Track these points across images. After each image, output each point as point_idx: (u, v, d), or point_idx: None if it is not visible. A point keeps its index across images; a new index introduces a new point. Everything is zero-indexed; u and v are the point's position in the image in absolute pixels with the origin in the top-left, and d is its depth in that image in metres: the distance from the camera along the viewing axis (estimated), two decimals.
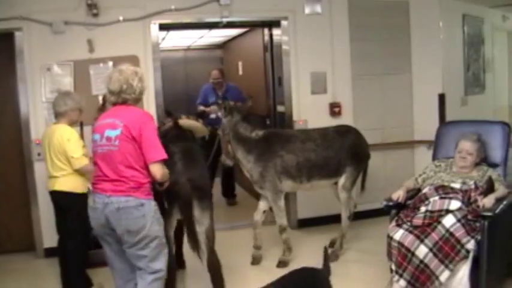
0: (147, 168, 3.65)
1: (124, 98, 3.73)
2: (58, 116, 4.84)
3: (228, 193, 8.22)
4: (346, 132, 5.68)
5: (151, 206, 3.70)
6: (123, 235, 3.63)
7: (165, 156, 3.67)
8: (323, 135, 5.58)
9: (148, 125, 3.66)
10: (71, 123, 4.85)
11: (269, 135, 5.47)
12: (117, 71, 3.80)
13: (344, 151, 5.52)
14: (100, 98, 5.93)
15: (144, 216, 3.62)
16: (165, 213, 4.25)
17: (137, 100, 3.81)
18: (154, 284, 3.74)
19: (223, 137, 5.55)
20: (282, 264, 5.46)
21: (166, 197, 4.41)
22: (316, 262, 4.76)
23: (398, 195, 4.61)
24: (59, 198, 4.84)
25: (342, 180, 5.59)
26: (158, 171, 3.63)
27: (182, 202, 4.23)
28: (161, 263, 3.79)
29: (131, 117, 3.64)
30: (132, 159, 3.60)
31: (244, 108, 5.66)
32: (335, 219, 5.99)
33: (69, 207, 4.80)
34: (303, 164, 5.37)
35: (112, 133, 3.60)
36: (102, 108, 5.71)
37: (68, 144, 4.64)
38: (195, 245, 4.28)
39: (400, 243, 4.15)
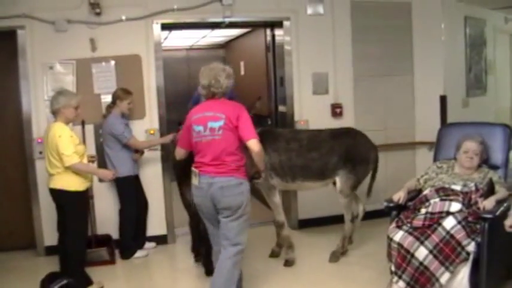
0: (242, 151, 4.28)
1: (212, 91, 4.27)
2: (54, 114, 4.87)
3: None
4: (342, 134, 5.57)
5: (247, 186, 4.31)
6: (224, 209, 4.21)
7: (257, 136, 4.26)
8: (312, 136, 5.56)
9: (243, 113, 4.27)
10: (68, 121, 4.87)
11: (261, 133, 5.45)
12: (208, 68, 4.36)
13: (335, 154, 5.40)
14: (102, 97, 5.97)
15: (242, 193, 4.23)
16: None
17: (224, 94, 4.35)
18: (236, 257, 4.27)
19: None
20: (288, 263, 5.49)
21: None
22: (316, 262, 4.82)
23: (399, 196, 4.60)
24: (54, 195, 4.88)
25: (338, 184, 5.49)
26: (255, 145, 4.21)
27: None
28: (244, 237, 4.33)
29: (229, 109, 4.24)
30: (233, 145, 4.21)
31: (252, 110, 5.77)
32: (336, 219, 6.01)
33: (65, 205, 4.83)
34: (284, 163, 5.40)
35: (215, 124, 4.19)
36: (111, 106, 5.75)
37: (58, 140, 4.66)
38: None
39: (400, 245, 4.15)
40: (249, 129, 4.23)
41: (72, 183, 4.81)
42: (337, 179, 5.47)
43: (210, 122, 4.20)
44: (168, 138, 5.90)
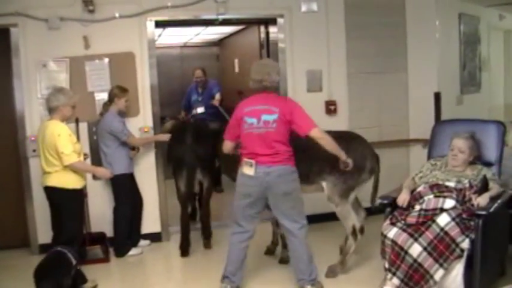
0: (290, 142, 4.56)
1: (265, 85, 4.52)
2: (51, 111, 4.87)
3: (215, 182, 8.18)
4: (335, 139, 4.80)
5: (297, 174, 4.62)
6: (280, 196, 4.52)
7: (317, 125, 4.50)
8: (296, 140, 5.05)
9: (296, 106, 4.56)
10: (64, 119, 4.87)
11: None
12: (260, 63, 4.70)
13: (322, 158, 4.87)
14: (96, 95, 5.96)
15: (295, 180, 4.59)
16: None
17: (275, 88, 4.69)
18: (302, 231, 4.64)
19: None
20: (283, 260, 5.46)
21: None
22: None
23: (404, 199, 4.50)
24: (51, 193, 4.88)
25: (325, 190, 5.15)
26: (318, 133, 4.48)
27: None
28: (303, 216, 4.69)
29: (283, 104, 4.54)
30: (285, 137, 4.50)
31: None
32: (329, 217, 5.97)
33: (61, 203, 4.83)
34: None
35: (269, 117, 4.44)
36: (108, 104, 5.76)
37: (58, 139, 4.67)
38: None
39: (394, 242, 4.16)
40: (306, 120, 4.50)
41: (69, 181, 4.81)
42: (324, 185, 5.14)
43: (264, 115, 4.45)
44: (165, 136, 6.00)
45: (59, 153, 4.69)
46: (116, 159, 5.73)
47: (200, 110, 7.61)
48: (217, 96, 7.70)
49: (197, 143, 5.91)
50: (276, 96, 4.66)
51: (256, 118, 4.48)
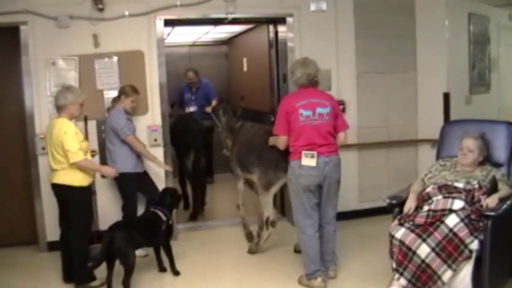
0: None
1: (315, 80, 4.91)
2: (59, 109, 4.88)
3: (207, 173, 8.69)
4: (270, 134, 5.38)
5: None
6: (334, 184, 4.85)
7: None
8: (258, 131, 5.86)
9: (337, 103, 5.10)
10: (72, 118, 4.89)
11: (240, 126, 6.15)
12: (307, 60, 4.97)
13: (255, 151, 5.61)
14: (105, 93, 5.97)
15: (340, 168, 4.91)
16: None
17: (318, 83, 5.00)
18: (335, 223, 5.03)
19: (222, 132, 6.39)
20: (249, 250, 5.89)
21: None
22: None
23: (409, 207, 4.47)
24: (58, 191, 4.90)
25: (255, 181, 5.68)
26: (346, 139, 5.06)
27: None
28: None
29: (331, 99, 4.97)
30: (334, 129, 4.86)
31: (238, 109, 6.51)
32: (338, 216, 5.96)
33: (68, 200, 4.85)
34: (234, 155, 5.95)
35: (323, 110, 4.78)
36: (116, 100, 5.76)
37: (64, 137, 4.68)
38: None
39: (401, 242, 4.15)
40: (344, 120, 5.01)
41: (76, 179, 4.83)
42: (254, 176, 5.65)
43: (318, 108, 4.77)
44: (166, 167, 6.11)
45: (65, 151, 4.70)
46: (119, 157, 5.66)
47: (193, 108, 8.20)
48: (213, 102, 8.20)
49: (199, 132, 7.42)
50: (322, 91, 5.11)
51: (312, 110, 4.75)
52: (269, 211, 5.61)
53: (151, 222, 5.21)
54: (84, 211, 4.98)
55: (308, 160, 4.70)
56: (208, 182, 8.53)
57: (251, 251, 5.84)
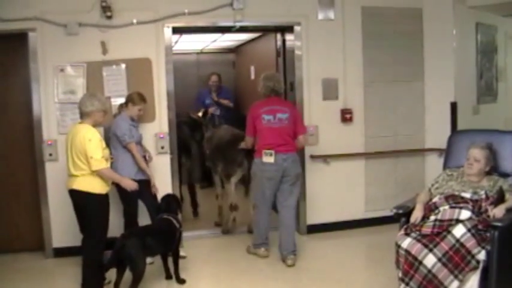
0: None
1: (276, 91, 5.75)
2: (83, 116, 4.87)
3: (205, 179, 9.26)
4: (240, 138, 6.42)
5: None
6: (294, 177, 5.70)
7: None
8: (223, 134, 7.03)
9: (297, 111, 6.06)
10: (96, 125, 4.90)
11: (217, 129, 7.37)
12: (270, 74, 5.98)
13: (217, 150, 6.89)
14: (112, 100, 5.98)
15: (299, 164, 5.86)
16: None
17: (281, 94, 5.91)
18: (293, 211, 5.81)
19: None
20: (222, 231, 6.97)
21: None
22: (322, 267, 4.78)
23: (416, 217, 4.45)
24: (76, 197, 4.86)
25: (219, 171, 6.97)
26: (306, 141, 6.06)
27: None
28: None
29: (291, 106, 5.92)
30: (293, 132, 5.71)
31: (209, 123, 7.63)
32: (344, 225, 5.99)
33: (86, 207, 4.84)
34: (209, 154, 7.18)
35: (283, 116, 5.66)
36: (122, 106, 5.76)
37: (88, 144, 4.68)
38: None
39: (408, 252, 4.13)
40: (302, 124, 5.94)
41: (96, 186, 4.82)
42: (218, 169, 6.95)
43: (278, 114, 5.66)
44: (155, 188, 5.81)
45: (88, 158, 4.70)
46: (120, 163, 5.59)
47: (216, 112, 8.25)
48: (227, 102, 8.74)
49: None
50: (283, 99, 6.07)
51: (273, 115, 5.66)
52: (232, 197, 6.79)
53: (167, 229, 5.23)
54: (100, 219, 4.93)
55: (267, 158, 5.60)
56: (202, 186, 9.26)
57: (223, 232, 6.92)
